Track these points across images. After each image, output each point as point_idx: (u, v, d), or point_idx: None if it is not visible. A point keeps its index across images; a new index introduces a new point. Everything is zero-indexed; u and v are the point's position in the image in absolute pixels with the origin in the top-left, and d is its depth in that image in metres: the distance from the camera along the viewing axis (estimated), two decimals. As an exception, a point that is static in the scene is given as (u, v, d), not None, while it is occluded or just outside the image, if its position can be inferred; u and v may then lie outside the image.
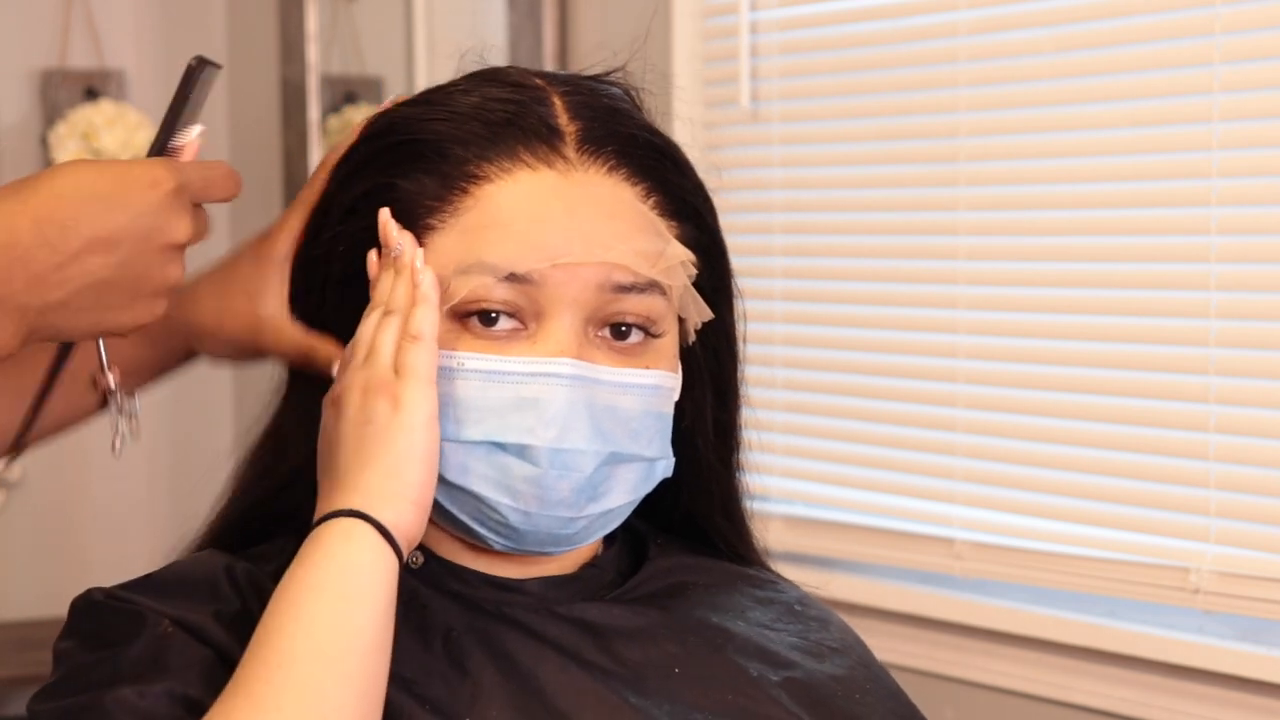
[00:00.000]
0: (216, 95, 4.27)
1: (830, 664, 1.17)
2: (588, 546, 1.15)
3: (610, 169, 1.10)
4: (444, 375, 1.06)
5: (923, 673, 2.47)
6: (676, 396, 1.13)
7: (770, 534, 2.68)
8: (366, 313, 1.08)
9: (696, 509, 1.21)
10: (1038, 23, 2.34)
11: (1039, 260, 2.34)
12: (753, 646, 1.14)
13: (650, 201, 1.11)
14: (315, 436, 1.09)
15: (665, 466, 1.12)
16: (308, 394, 1.13)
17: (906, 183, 2.56)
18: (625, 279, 1.08)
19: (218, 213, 3.77)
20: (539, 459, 1.06)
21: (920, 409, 2.47)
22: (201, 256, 3.54)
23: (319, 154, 3.39)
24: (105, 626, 1.05)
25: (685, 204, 1.13)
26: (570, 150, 1.09)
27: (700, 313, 1.13)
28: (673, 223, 1.12)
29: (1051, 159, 2.33)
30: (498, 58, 1.29)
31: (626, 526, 1.19)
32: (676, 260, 1.10)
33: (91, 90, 3.44)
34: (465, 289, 1.07)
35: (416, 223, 1.09)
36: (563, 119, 1.10)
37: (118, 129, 3.34)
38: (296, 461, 1.13)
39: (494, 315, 1.07)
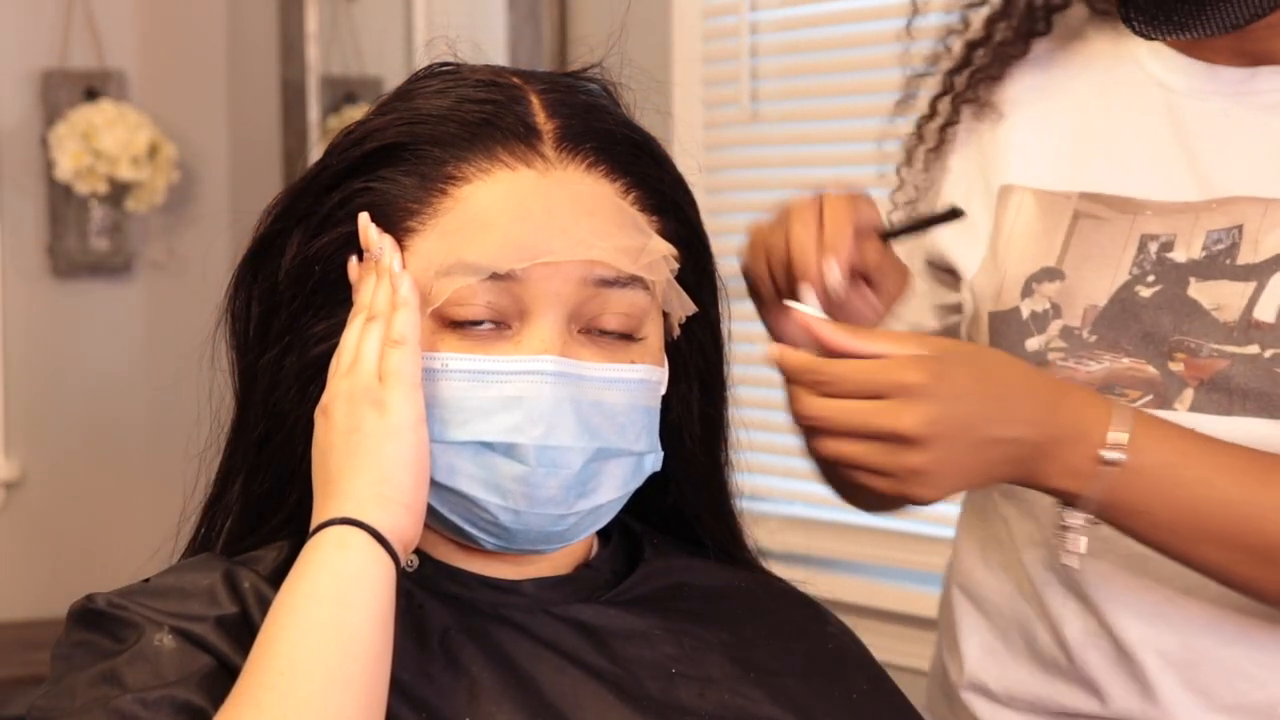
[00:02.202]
0: (217, 95, 4.24)
1: (827, 664, 1.17)
2: (582, 546, 1.15)
3: (589, 166, 1.10)
4: (428, 377, 1.06)
5: (923, 673, 2.46)
6: (664, 390, 1.13)
7: (770, 534, 2.68)
8: (350, 319, 1.08)
9: (684, 503, 1.21)
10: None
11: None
12: (749, 647, 1.14)
13: (630, 197, 1.11)
14: (272, 433, 1.11)
15: (654, 460, 1.12)
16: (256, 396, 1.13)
17: (906, 183, 2.56)
18: (607, 274, 1.08)
19: (217, 211, 3.74)
20: (526, 457, 1.06)
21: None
22: (199, 245, 3.48)
23: (319, 154, 3.39)
24: (104, 634, 1.05)
25: (665, 198, 1.13)
26: (548, 149, 1.09)
27: (684, 306, 1.13)
28: (653, 217, 1.12)
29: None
30: (497, 58, 1.30)
31: (622, 527, 1.19)
32: (658, 255, 1.10)
33: (91, 90, 3.45)
34: (448, 290, 1.06)
35: (396, 226, 1.09)
36: (540, 117, 1.10)
37: (118, 129, 3.34)
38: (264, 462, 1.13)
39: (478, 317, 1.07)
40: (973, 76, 1.38)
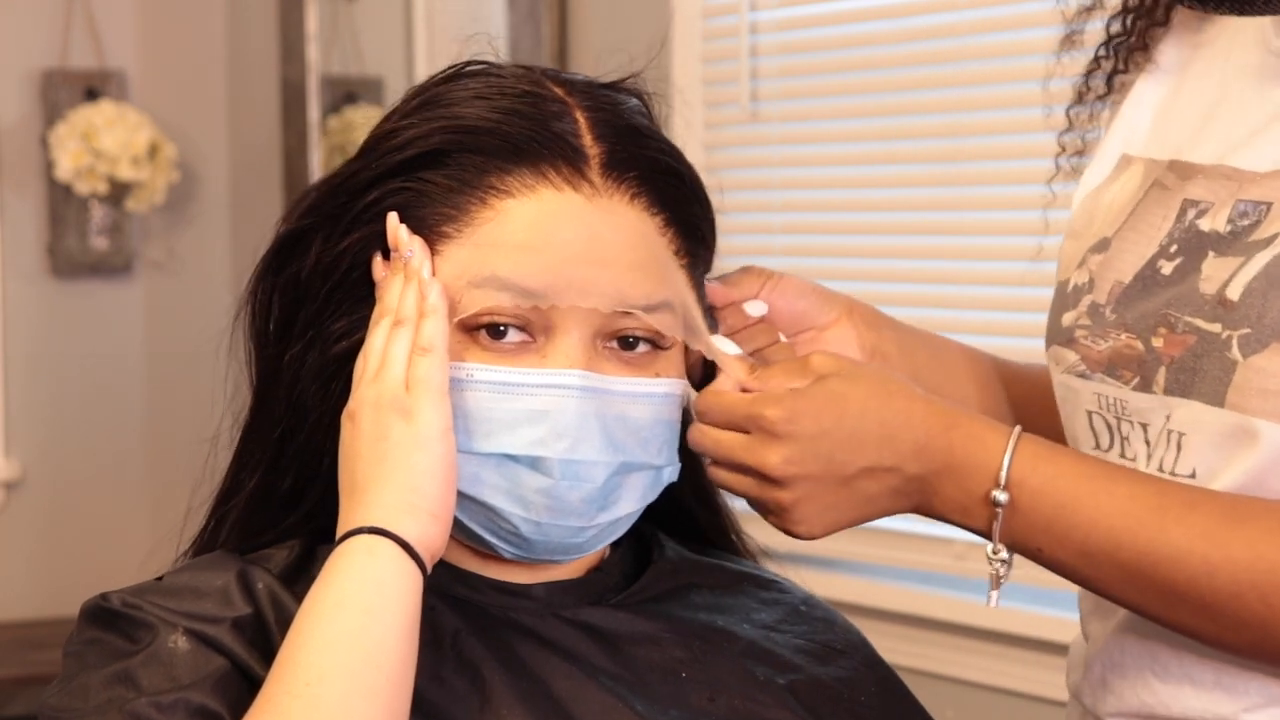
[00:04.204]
0: (217, 95, 4.24)
1: (836, 665, 1.17)
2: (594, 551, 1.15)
3: (633, 197, 1.10)
4: (454, 387, 1.06)
5: (923, 673, 2.47)
6: (685, 404, 1.13)
7: (771, 534, 2.68)
8: (374, 321, 1.07)
9: (676, 496, 1.21)
10: (1038, 23, 2.34)
11: (1039, 260, 2.34)
12: (758, 649, 1.14)
13: (669, 234, 1.11)
14: (295, 428, 1.10)
15: (671, 473, 1.12)
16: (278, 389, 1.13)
17: (906, 183, 2.56)
18: (636, 304, 1.07)
19: (217, 211, 3.74)
20: (551, 470, 1.06)
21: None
22: (199, 245, 3.46)
23: (319, 154, 3.39)
24: (118, 634, 1.05)
25: (699, 235, 1.14)
26: (595, 174, 1.09)
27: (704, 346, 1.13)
28: (684, 260, 1.12)
29: (1051, 159, 2.32)
30: (498, 58, 1.28)
31: (632, 530, 1.19)
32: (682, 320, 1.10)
33: (91, 90, 3.45)
34: (479, 303, 1.06)
35: (431, 229, 1.08)
36: (586, 139, 1.10)
37: (118, 129, 3.34)
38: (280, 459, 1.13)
39: (503, 329, 1.07)
40: (1135, 24, 1.28)
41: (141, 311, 3.57)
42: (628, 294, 1.07)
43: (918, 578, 2.53)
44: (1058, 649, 2.31)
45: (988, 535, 1.10)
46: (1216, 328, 1.11)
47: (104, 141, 3.32)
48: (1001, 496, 1.08)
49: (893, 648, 2.45)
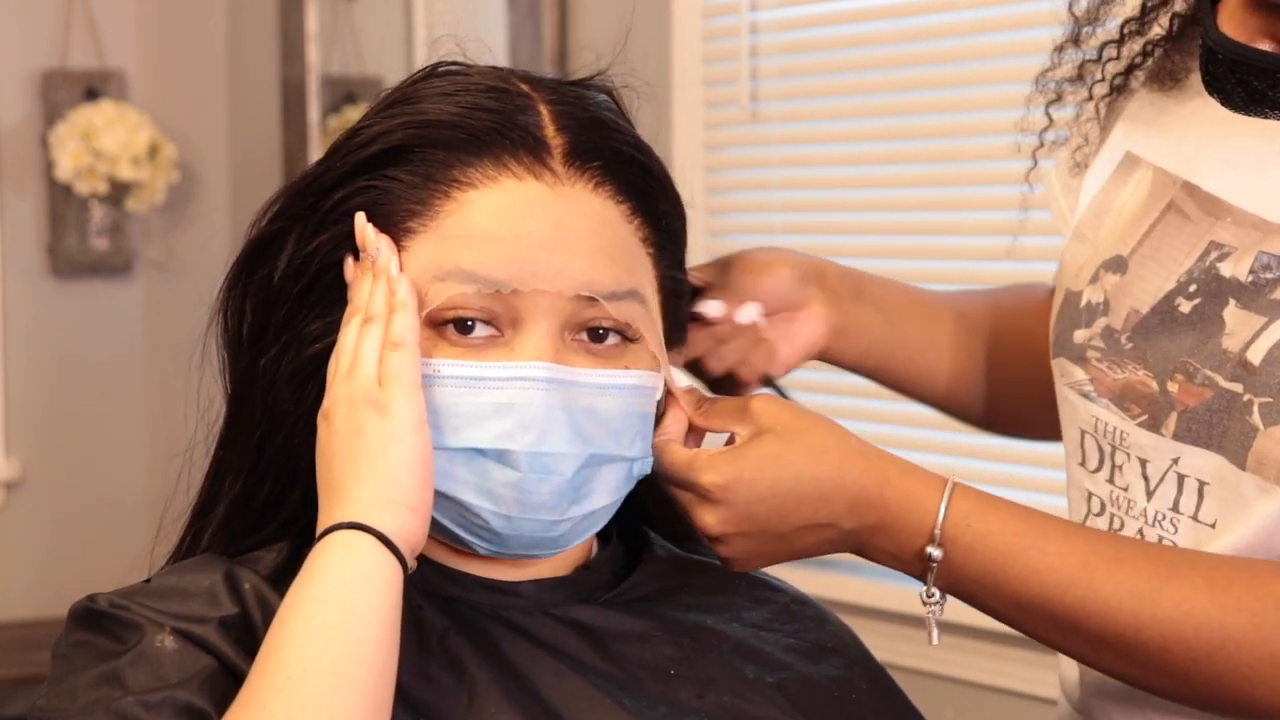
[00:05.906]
0: (217, 95, 4.24)
1: (827, 664, 1.17)
2: (581, 548, 1.15)
3: (596, 185, 1.10)
4: (423, 383, 1.06)
5: (923, 673, 2.47)
6: (659, 395, 1.13)
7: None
8: (345, 320, 1.08)
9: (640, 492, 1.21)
10: (1038, 23, 2.34)
11: (1042, 260, 2.34)
12: (748, 647, 1.14)
13: (635, 223, 1.11)
14: (268, 435, 1.11)
15: (643, 464, 1.12)
16: (251, 390, 1.13)
17: (906, 183, 2.56)
18: (601, 292, 1.08)
19: (217, 211, 3.73)
20: (518, 463, 1.06)
21: (921, 408, 2.46)
22: (199, 245, 3.45)
23: (319, 154, 3.38)
24: (106, 635, 1.05)
25: (665, 228, 1.14)
26: (557, 163, 1.09)
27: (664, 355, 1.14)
28: (650, 250, 1.12)
29: (1051, 161, 2.32)
30: (498, 58, 1.29)
31: (621, 528, 1.19)
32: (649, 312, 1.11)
33: (91, 90, 3.45)
34: (443, 295, 1.06)
35: (397, 225, 1.08)
36: (549, 130, 1.10)
37: (118, 129, 3.34)
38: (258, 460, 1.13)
39: (470, 323, 1.07)
40: (1148, 41, 1.28)
41: (141, 311, 3.57)
42: (593, 281, 1.07)
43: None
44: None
45: (922, 581, 1.13)
46: (1238, 388, 1.13)
47: (104, 141, 3.32)
48: (936, 553, 1.11)
49: (891, 648, 2.45)
